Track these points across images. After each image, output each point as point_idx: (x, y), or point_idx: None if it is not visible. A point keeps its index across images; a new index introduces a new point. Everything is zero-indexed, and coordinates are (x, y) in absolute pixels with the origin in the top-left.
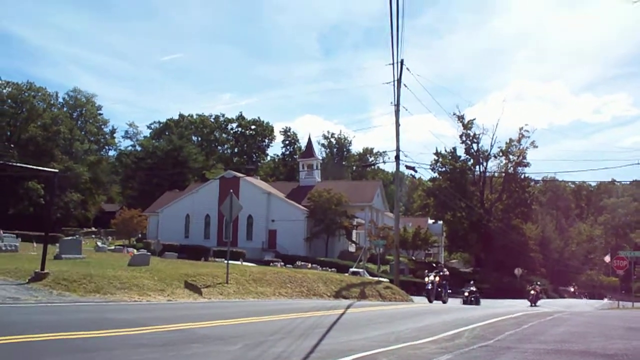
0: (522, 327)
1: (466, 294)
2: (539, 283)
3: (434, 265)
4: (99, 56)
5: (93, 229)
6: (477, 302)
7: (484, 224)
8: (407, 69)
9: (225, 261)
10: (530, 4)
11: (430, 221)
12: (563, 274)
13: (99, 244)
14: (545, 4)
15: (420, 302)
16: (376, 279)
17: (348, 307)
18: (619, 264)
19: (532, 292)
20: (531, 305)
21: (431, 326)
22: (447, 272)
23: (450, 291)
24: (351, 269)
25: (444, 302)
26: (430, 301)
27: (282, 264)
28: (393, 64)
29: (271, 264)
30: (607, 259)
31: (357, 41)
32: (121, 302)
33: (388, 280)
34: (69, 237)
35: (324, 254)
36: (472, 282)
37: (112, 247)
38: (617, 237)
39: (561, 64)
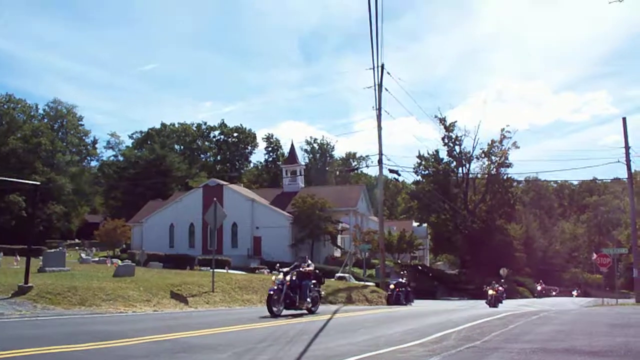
0: (508, 327)
1: (391, 286)
2: (497, 283)
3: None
4: (78, 66)
5: (77, 240)
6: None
7: (469, 226)
8: (388, 72)
9: (211, 270)
10: (508, 4)
11: (415, 224)
12: (548, 273)
13: (83, 255)
14: (523, 4)
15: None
16: (362, 283)
17: (335, 312)
18: (602, 261)
19: (491, 292)
20: (490, 307)
21: (418, 329)
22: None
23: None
24: (337, 274)
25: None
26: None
27: (268, 270)
28: (374, 68)
29: (257, 271)
30: (594, 257)
31: (337, 46)
32: (106, 314)
33: (374, 284)
34: (53, 250)
35: (310, 260)
36: (402, 273)
37: (97, 259)
38: (600, 234)
39: (541, 64)
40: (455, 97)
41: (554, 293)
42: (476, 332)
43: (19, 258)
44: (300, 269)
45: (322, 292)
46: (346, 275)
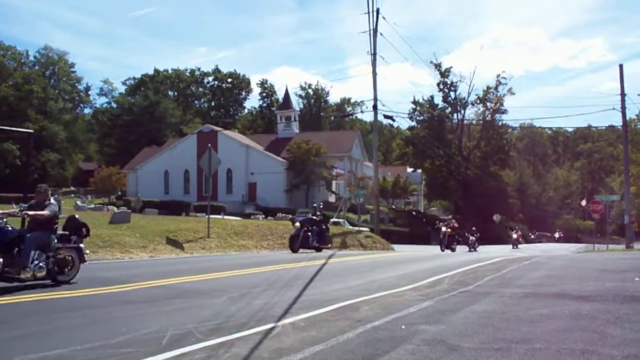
0: (501, 272)
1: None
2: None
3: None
4: (68, 12)
5: (72, 188)
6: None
7: (463, 172)
8: (383, 17)
9: (206, 216)
10: None
11: (409, 170)
12: (541, 219)
13: (79, 203)
14: None
15: (401, 250)
16: (357, 228)
17: (329, 257)
18: (594, 208)
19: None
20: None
21: (412, 274)
22: (317, 217)
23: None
24: (332, 219)
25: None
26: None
27: (263, 216)
28: (369, 12)
29: (252, 216)
30: (584, 203)
31: None
32: (103, 260)
33: (369, 229)
34: None
35: (305, 205)
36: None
37: (92, 206)
38: (593, 181)
39: (538, 10)
40: (451, 43)
41: (544, 240)
42: (469, 277)
43: (15, 206)
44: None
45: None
46: (340, 220)
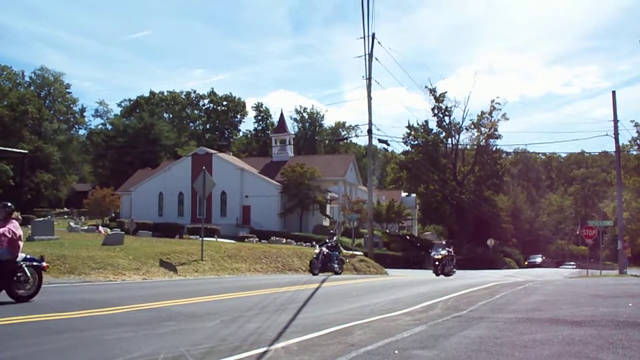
0: (494, 297)
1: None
2: (447, 244)
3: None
4: (65, 34)
5: (65, 209)
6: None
7: (457, 196)
8: (379, 42)
9: (200, 238)
10: None
11: (404, 194)
12: (534, 244)
13: (72, 224)
14: None
15: (394, 274)
16: (350, 252)
17: (323, 281)
18: (588, 233)
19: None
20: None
21: (405, 298)
22: (335, 244)
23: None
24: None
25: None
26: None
27: (257, 239)
28: (364, 37)
29: (246, 239)
30: (578, 232)
31: (327, 16)
32: (96, 282)
33: (362, 253)
34: (41, 218)
35: (299, 228)
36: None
37: (86, 227)
38: (587, 207)
39: (532, 36)
40: (445, 69)
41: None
42: (462, 302)
43: None
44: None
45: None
46: None
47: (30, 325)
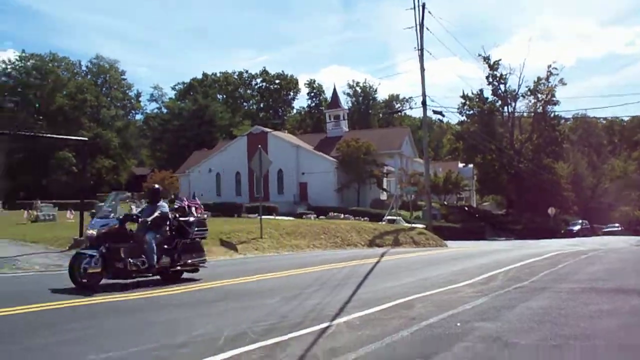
0: (556, 267)
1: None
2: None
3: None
4: (117, 22)
5: (127, 193)
6: None
7: (515, 165)
8: (429, 12)
9: (259, 216)
10: None
11: (461, 165)
12: (596, 211)
13: (134, 207)
14: None
15: (454, 246)
16: (409, 225)
17: (382, 255)
18: None
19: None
20: None
21: (466, 270)
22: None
23: None
24: (385, 217)
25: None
26: None
27: (315, 215)
28: (415, 7)
29: (304, 216)
30: None
31: None
32: None
33: (422, 226)
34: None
35: (356, 203)
36: None
37: None
38: None
39: None
40: (499, 36)
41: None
42: (524, 272)
43: (72, 212)
44: None
45: None
46: (396, 217)
47: (105, 305)
